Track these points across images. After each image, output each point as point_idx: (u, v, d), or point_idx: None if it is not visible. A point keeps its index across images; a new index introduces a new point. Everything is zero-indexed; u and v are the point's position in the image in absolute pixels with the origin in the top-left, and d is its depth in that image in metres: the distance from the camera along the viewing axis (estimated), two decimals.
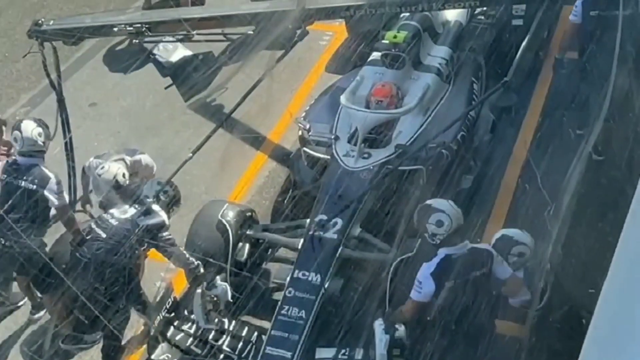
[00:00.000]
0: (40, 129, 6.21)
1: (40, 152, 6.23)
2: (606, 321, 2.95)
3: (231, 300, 6.03)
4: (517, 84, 6.94)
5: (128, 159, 6.34)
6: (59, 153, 7.31)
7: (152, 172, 6.51)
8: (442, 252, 5.19)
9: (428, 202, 5.38)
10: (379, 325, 5.29)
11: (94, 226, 5.84)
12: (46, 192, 6.06)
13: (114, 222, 5.78)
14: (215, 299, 5.93)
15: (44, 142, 6.24)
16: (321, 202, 6.30)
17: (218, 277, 6.02)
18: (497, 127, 7.22)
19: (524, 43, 6.43)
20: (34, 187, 6.07)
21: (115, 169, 6.01)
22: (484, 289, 5.21)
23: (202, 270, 5.95)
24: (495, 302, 5.32)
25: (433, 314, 5.21)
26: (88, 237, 5.80)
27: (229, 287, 6.01)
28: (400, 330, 5.26)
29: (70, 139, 6.99)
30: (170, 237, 5.85)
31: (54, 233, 6.43)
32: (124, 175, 6.01)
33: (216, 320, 5.94)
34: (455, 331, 5.20)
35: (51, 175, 6.13)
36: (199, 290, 5.90)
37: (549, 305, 5.39)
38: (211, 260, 6.08)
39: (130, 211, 5.81)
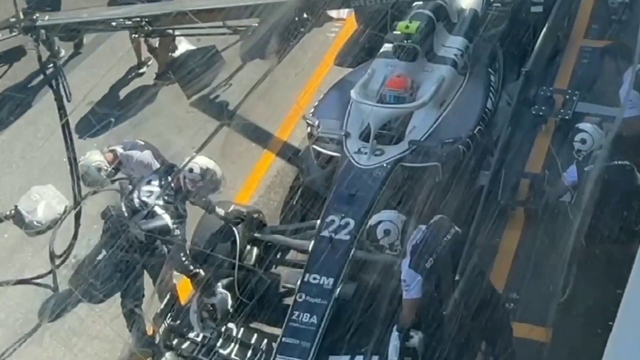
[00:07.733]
0: None
1: None
2: (632, 316, 2.94)
3: (230, 309, 5.96)
4: (537, 74, 6.70)
5: (120, 151, 6.24)
6: (57, 154, 7.10)
7: (146, 169, 6.24)
8: (408, 246, 5.37)
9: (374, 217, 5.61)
10: (395, 331, 5.24)
11: (134, 196, 5.96)
12: None
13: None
14: (211, 307, 5.87)
15: None
16: (332, 202, 6.16)
17: (219, 284, 5.96)
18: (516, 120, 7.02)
19: (543, 31, 6.26)
20: None
21: (95, 159, 6.11)
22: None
23: (201, 274, 5.87)
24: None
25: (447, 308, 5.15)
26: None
27: (229, 296, 5.95)
28: (415, 338, 5.21)
29: (71, 139, 6.76)
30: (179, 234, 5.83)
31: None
32: (99, 168, 6.08)
33: (212, 328, 5.84)
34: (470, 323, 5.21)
35: None
36: (196, 296, 5.86)
37: (572, 299, 5.48)
38: (219, 257, 6.00)
39: (155, 193, 5.90)
